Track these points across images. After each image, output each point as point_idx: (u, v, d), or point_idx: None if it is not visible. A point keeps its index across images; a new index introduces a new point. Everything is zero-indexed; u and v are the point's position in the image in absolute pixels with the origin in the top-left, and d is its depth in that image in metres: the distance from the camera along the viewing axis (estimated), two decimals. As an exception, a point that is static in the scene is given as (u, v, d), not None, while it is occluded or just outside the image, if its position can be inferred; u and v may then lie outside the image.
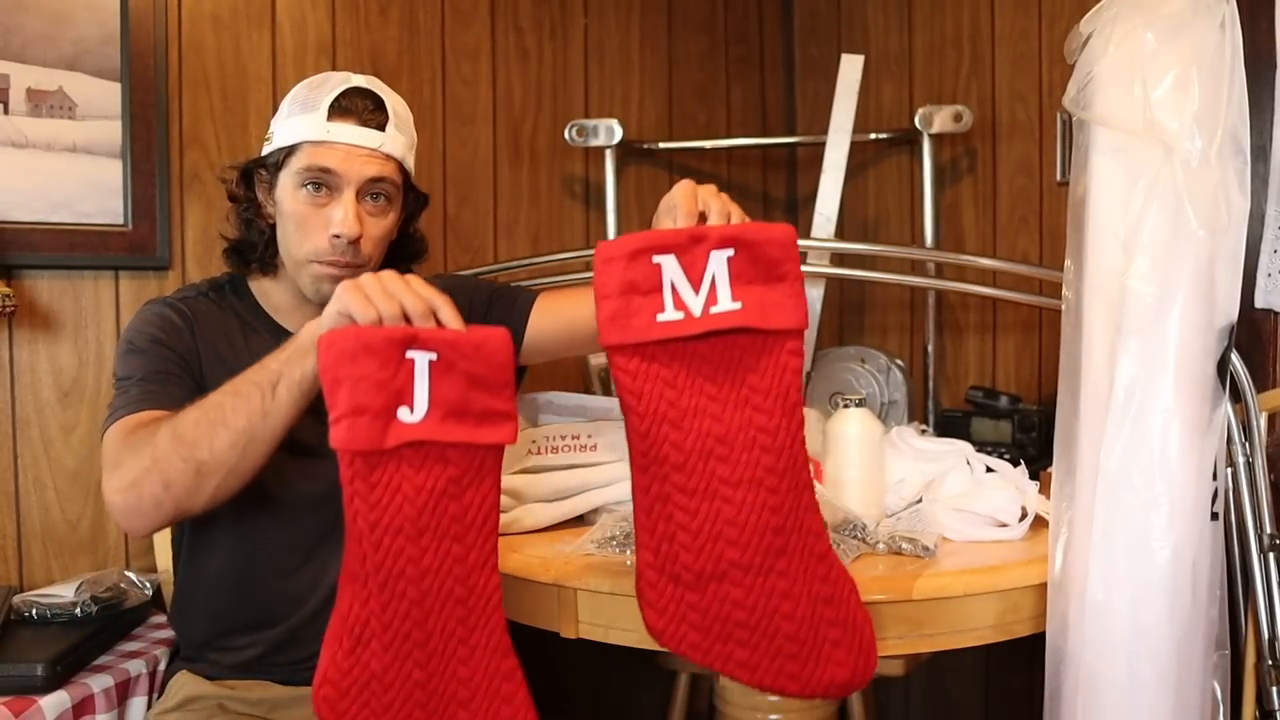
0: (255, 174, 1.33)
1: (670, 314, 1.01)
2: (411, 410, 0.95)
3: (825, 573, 1.05)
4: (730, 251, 1.02)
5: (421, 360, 0.96)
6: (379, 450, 0.94)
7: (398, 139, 1.28)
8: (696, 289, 1.02)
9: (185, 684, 1.30)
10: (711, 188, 1.09)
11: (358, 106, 1.26)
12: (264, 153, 1.31)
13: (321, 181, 1.25)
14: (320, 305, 1.27)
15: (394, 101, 1.30)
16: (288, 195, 1.27)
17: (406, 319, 0.97)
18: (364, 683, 0.97)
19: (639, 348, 1.02)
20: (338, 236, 1.24)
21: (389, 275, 1.00)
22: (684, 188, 1.07)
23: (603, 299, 1.01)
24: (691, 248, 1.02)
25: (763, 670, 1.04)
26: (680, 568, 1.03)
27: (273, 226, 1.32)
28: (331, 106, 1.25)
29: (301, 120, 1.26)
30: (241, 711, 1.28)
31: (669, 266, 1.02)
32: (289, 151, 1.27)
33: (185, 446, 1.04)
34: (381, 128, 1.27)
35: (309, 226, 1.25)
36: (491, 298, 1.42)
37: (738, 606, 1.03)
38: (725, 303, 1.02)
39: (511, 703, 1.03)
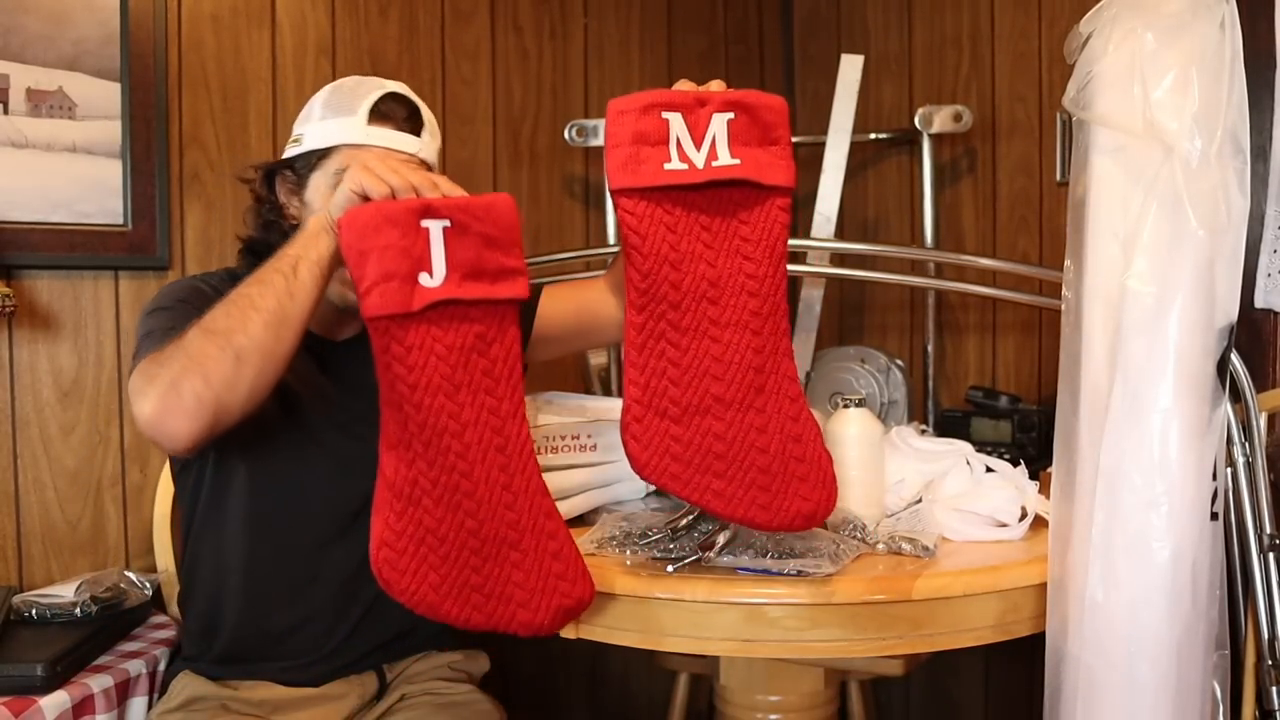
0: (279, 175, 1.33)
1: (676, 164, 1.11)
2: (431, 275, 1.03)
3: (796, 413, 1.14)
4: (731, 115, 1.12)
5: (436, 228, 1.04)
6: (407, 313, 1.02)
7: (431, 145, 1.32)
8: (699, 146, 1.12)
9: (188, 684, 1.31)
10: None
11: (396, 112, 1.29)
12: (291, 154, 1.32)
13: None
14: (344, 311, 1.29)
15: (425, 109, 1.32)
16: (320, 196, 1.28)
17: (414, 193, 1.07)
18: (419, 539, 1.04)
19: (645, 193, 1.11)
20: None
21: (391, 158, 1.14)
22: (684, 82, 1.17)
23: (614, 147, 1.11)
24: (696, 108, 1.12)
25: (736, 500, 1.11)
26: (667, 402, 1.11)
27: (294, 228, 1.31)
28: (371, 111, 1.27)
29: (336, 123, 1.27)
30: (244, 712, 1.28)
31: (676, 123, 1.11)
32: (324, 154, 1.28)
33: (220, 336, 1.07)
34: (417, 133, 1.30)
35: None
36: None
37: (717, 439, 1.11)
38: (725, 158, 1.12)
39: (556, 537, 1.11)
